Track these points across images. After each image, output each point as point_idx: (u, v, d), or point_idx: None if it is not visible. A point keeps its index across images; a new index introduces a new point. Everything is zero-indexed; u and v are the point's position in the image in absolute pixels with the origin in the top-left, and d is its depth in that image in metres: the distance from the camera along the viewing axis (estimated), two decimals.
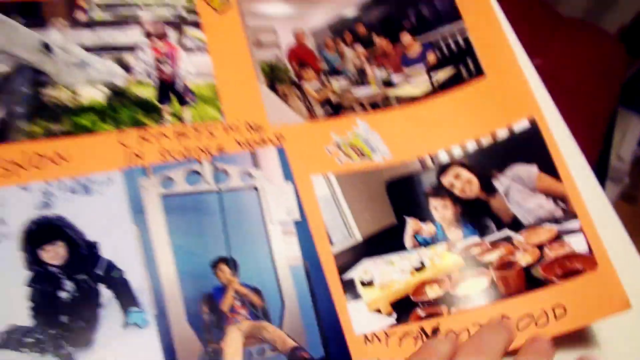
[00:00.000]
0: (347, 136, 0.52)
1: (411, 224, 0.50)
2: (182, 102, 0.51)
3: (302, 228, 0.48)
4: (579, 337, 0.49)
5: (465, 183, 0.51)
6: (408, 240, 0.50)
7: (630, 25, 1.07)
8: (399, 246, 0.49)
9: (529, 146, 0.51)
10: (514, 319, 0.47)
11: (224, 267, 0.46)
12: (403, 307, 0.47)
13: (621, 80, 1.00)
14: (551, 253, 0.48)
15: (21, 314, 0.42)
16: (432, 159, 0.52)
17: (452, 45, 0.55)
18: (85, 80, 0.50)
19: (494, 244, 0.49)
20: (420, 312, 0.47)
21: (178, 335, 0.43)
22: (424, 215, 0.50)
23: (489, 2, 0.57)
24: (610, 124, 1.02)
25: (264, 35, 0.55)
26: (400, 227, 0.50)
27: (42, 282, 0.43)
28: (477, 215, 0.51)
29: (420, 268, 0.49)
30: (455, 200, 0.51)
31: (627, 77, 1.32)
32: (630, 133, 1.28)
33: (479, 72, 0.54)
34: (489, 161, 0.52)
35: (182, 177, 0.48)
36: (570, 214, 0.49)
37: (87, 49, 0.51)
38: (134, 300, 0.44)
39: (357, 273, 0.48)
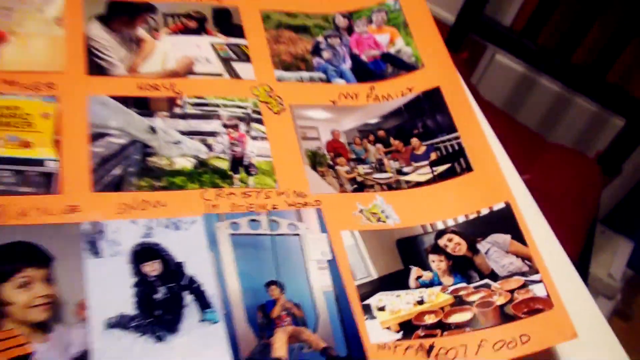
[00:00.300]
0: (369, 206, 0.70)
1: (414, 270, 0.66)
2: (248, 173, 0.69)
3: (333, 265, 0.64)
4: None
5: (456, 245, 0.68)
6: (412, 282, 0.66)
7: (605, 150, 1.28)
8: (405, 285, 0.65)
9: (504, 221, 0.69)
10: (491, 343, 0.61)
11: (274, 287, 0.62)
12: (407, 328, 0.62)
13: (598, 195, 1.19)
14: (519, 296, 0.64)
15: (128, 307, 0.57)
16: (431, 226, 0.69)
17: (449, 148, 0.75)
18: (179, 154, 0.69)
19: (477, 289, 0.65)
20: (420, 332, 0.62)
21: (240, 331, 0.58)
22: (424, 265, 0.67)
23: (476, 120, 0.77)
24: (590, 231, 1.19)
25: (309, 132, 0.74)
26: (406, 272, 0.66)
27: (143, 286, 0.59)
28: (464, 268, 0.67)
29: (421, 302, 0.64)
30: (448, 256, 0.67)
31: (615, 204, 1.52)
32: (620, 254, 1.45)
33: (468, 168, 0.73)
34: (475, 230, 0.69)
35: (246, 223, 0.65)
36: (533, 270, 0.65)
37: (181, 132, 0.70)
38: (208, 304, 0.59)
39: (373, 301, 0.63)
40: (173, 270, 0.61)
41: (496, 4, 1.55)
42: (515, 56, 1.36)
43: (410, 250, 0.68)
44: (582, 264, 1.14)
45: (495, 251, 0.67)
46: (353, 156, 0.74)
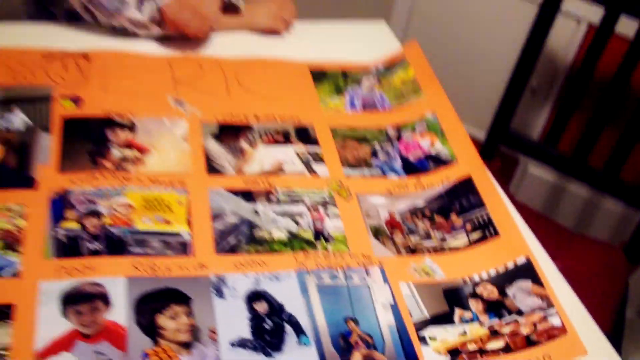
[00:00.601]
0: (420, 265, 0.91)
1: (458, 311, 0.86)
2: (327, 241, 0.92)
3: (394, 308, 0.85)
4: None
5: (489, 291, 0.88)
6: (456, 319, 0.85)
7: (629, 241, 1.46)
8: (451, 322, 0.85)
9: (525, 271, 0.89)
10: None
11: (351, 322, 0.82)
12: (454, 353, 0.81)
13: (624, 280, 1.36)
14: (540, 327, 0.83)
15: (246, 332, 0.79)
16: (469, 278, 0.90)
17: (480, 220, 0.96)
18: (276, 228, 0.92)
19: (507, 323, 0.84)
20: (464, 356, 0.81)
21: (327, 352, 0.79)
22: (465, 307, 0.86)
23: (499, 196, 0.99)
24: (619, 317, 1.34)
25: (371, 212, 0.97)
26: (451, 313, 0.86)
27: (256, 319, 0.81)
28: (497, 308, 0.86)
29: (464, 334, 0.84)
30: (484, 300, 0.87)
31: None
32: None
33: (495, 233, 0.94)
34: (503, 279, 0.89)
35: (328, 276, 0.87)
36: (550, 305, 0.85)
37: (277, 214, 0.94)
38: (303, 332, 0.80)
39: (426, 332, 0.83)
40: (276, 309, 0.82)
41: (521, 119, 1.80)
42: (540, 162, 1.59)
43: (454, 297, 0.88)
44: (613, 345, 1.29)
45: (520, 294, 0.87)
46: (406, 229, 0.96)
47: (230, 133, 1.05)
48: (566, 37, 1.73)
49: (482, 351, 0.82)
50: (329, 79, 1.20)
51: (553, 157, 1.50)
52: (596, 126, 1.43)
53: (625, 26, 1.36)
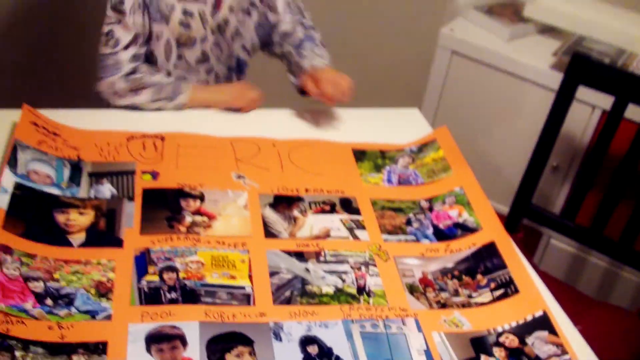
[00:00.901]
0: (450, 318, 1.04)
1: (483, 357, 0.99)
2: (369, 296, 1.06)
3: (428, 353, 0.98)
4: None
5: (511, 340, 1.01)
6: None
7: None
8: None
9: (543, 322, 1.02)
10: None
11: None
12: None
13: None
14: None
15: None
16: (494, 329, 1.03)
17: (503, 279, 1.10)
18: (325, 284, 1.07)
19: None
20: None
21: None
22: (490, 354, 0.99)
23: (519, 259, 1.13)
24: None
25: (407, 272, 1.12)
26: (477, 359, 0.99)
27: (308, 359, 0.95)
28: (517, 355, 0.99)
29: None
30: (506, 348, 1.00)
31: None
32: None
33: (516, 290, 1.07)
34: (523, 330, 1.01)
35: (370, 325, 1.01)
36: (564, 352, 0.97)
37: (325, 271, 1.09)
38: None
39: None
40: (326, 351, 0.96)
41: (543, 194, 1.94)
42: (560, 234, 1.71)
43: (479, 345, 1.01)
44: None
45: (538, 342, 1.00)
46: (437, 287, 1.10)
47: (284, 203, 1.21)
48: (583, 121, 1.88)
49: None
50: (369, 158, 1.37)
51: (572, 230, 1.63)
52: (611, 201, 1.56)
53: (634, 112, 1.52)
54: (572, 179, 1.99)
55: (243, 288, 1.04)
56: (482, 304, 1.07)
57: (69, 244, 1.06)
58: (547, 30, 2.12)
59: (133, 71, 1.35)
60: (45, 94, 1.62)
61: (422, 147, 1.40)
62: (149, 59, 1.41)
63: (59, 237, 1.06)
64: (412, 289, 1.09)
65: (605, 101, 1.65)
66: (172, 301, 0.99)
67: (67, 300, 0.97)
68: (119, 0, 1.31)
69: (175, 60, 1.43)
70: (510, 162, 2.04)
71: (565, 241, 2.03)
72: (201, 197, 1.19)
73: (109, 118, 1.36)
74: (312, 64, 1.47)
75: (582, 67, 1.52)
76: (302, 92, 1.49)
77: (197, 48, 1.42)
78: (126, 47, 1.34)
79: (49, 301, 0.96)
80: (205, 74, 1.48)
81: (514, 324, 1.03)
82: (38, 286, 0.97)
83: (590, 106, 1.84)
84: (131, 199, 1.16)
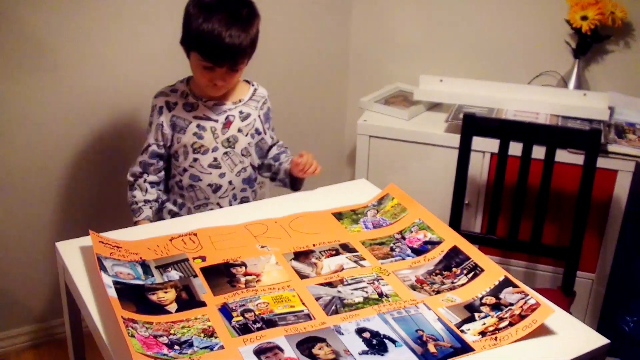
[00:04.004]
0: (445, 297, 1.50)
1: (476, 315, 1.45)
2: (387, 297, 1.50)
3: (440, 320, 1.43)
4: None
5: (490, 299, 1.47)
6: (477, 318, 1.43)
7: (562, 283, 2.10)
8: (473, 321, 1.43)
9: (506, 283, 1.50)
10: None
11: (420, 330, 1.39)
12: (482, 333, 1.39)
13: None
14: (525, 307, 1.42)
15: (364, 347, 1.34)
16: (476, 297, 1.49)
17: (470, 266, 1.58)
18: (355, 297, 1.50)
19: (506, 311, 1.43)
20: (488, 334, 1.39)
21: (414, 347, 1.35)
22: (479, 312, 1.45)
23: (478, 251, 1.62)
24: None
25: (405, 278, 1.57)
26: (472, 316, 1.44)
27: (366, 341, 1.36)
28: (497, 306, 1.45)
29: (484, 324, 1.41)
30: (488, 305, 1.46)
31: None
32: None
33: (482, 270, 1.56)
34: (495, 291, 1.49)
35: (396, 313, 1.44)
36: (526, 295, 1.45)
37: (351, 290, 1.52)
38: (394, 341, 1.36)
39: (463, 327, 1.40)
40: (375, 334, 1.38)
41: (462, 226, 2.50)
42: (486, 247, 2.25)
43: (471, 308, 1.46)
44: None
45: (508, 295, 1.47)
46: (429, 282, 1.56)
47: (302, 256, 1.65)
48: (479, 165, 2.47)
49: (497, 329, 1.40)
50: (346, 216, 1.84)
51: (495, 241, 2.17)
52: (516, 215, 2.12)
53: (516, 148, 2.12)
54: (482, 211, 2.55)
55: (302, 311, 1.45)
56: (463, 284, 1.54)
57: (168, 312, 1.43)
58: (434, 106, 2.77)
59: (140, 174, 2.05)
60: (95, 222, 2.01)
61: (380, 200, 1.90)
62: (173, 156, 1.96)
63: (159, 309, 1.43)
64: (413, 288, 1.54)
65: (492, 145, 2.25)
66: (259, 329, 1.39)
67: (188, 344, 1.33)
68: (149, 122, 1.95)
69: (191, 161, 1.97)
70: (434, 206, 2.59)
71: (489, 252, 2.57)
72: (244, 265, 1.60)
73: (148, 230, 1.75)
74: (289, 161, 2.03)
75: (472, 122, 2.11)
76: (292, 184, 2.01)
77: (209, 155, 1.95)
78: (142, 152, 2.05)
79: (176, 347, 1.32)
80: (217, 178, 1.96)
81: (488, 290, 1.50)
82: (164, 340, 1.34)
83: (481, 152, 2.44)
84: (195, 276, 1.55)
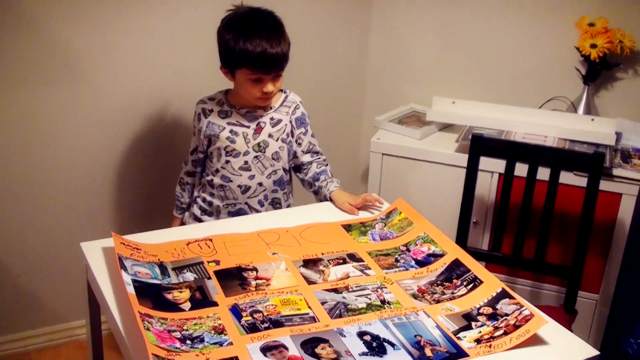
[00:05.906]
0: (444, 306, 1.58)
1: (473, 324, 1.52)
2: (389, 304, 1.58)
3: (439, 327, 1.50)
4: None
5: (487, 309, 1.55)
6: (473, 327, 1.51)
7: (564, 301, 2.16)
8: (470, 329, 1.50)
9: (503, 294, 1.57)
10: None
11: (418, 336, 1.47)
12: (477, 341, 1.46)
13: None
14: (519, 317, 1.50)
15: (364, 349, 1.42)
16: (474, 307, 1.57)
17: (470, 277, 1.66)
18: (359, 303, 1.58)
19: (502, 321, 1.51)
20: (484, 342, 1.46)
21: (411, 351, 1.42)
22: (476, 321, 1.53)
23: (478, 264, 1.70)
24: None
25: (407, 288, 1.65)
26: (469, 325, 1.52)
27: (366, 344, 1.44)
28: (494, 316, 1.53)
29: (480, 332, 1.49)
30: (485, 314, 1.54)
31: None
32: None
33: (481, 282, 1.63)
34: (493, 302, 1.56)
35: (396, 319, 1.52)
36: (522, 306, 1.52)
37: (356, 296, 1.61)
38: (393, 344, 1.44)
39: (460, 335, 1.48)
40: (375, 337, 1.46)
41: (469, 244, 2.57)
42: (491, 264, 2.32)
43: (468, 317, 1.54)
44: None
45: (504, 306, 1.55)
46: (430, 292, 1.64)
47: (311, 264, 1.74)
48: (487, 185, 2.55)
49: (492, 337, 1.47)
50: (354, 228, 1.93)
51: (500, 258, 2.24)
52: (521, 234, 2.19)
53: (523, 170, 2.20)
54: (490, 229, 2.63)
55: (308, 314, 1.53)
56: (462, 295, 1.62)
57: (182, 310, 1.52)
58: (445, 127, 2.86)
59: (188, 173, 2.33)
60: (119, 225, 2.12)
61: (388, 214, 1.99)
62: (209, 157, 2.19)
63: (174, 307, 1.53)
64: (415, 296, 1.62)
65: (500, 165, 2.33)
66: (267, 328, 1.47)
67: (200, 339, 1.42)
68: (193, 126, 2.25)
69: (224, 163, 2.14)
70: (443, 223, 2.67)
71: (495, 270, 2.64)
72: (256, 269, 1.69)
73: (166, 235, 1.86)
74: (329, 189, 2.17)
75: (480, 143, 2.19)
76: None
77: (240, 158, 2.12)
78: (191, 153, 2.28)
79: (188, 342, 1.41)
80: (247, 180, 2.16)
81: (485, 300, 1.58)
82: (177, 335, 1.43)
83: (489, 172, 2.52)
84: (209, 278, 1.65)
